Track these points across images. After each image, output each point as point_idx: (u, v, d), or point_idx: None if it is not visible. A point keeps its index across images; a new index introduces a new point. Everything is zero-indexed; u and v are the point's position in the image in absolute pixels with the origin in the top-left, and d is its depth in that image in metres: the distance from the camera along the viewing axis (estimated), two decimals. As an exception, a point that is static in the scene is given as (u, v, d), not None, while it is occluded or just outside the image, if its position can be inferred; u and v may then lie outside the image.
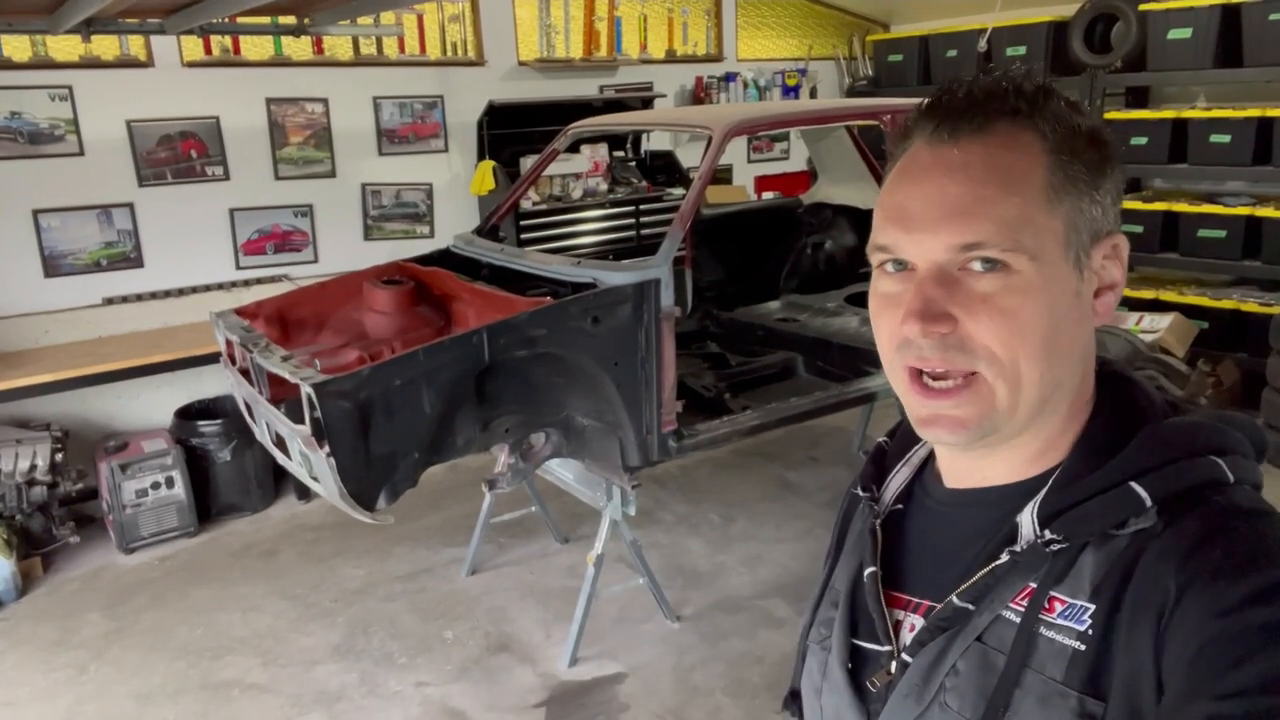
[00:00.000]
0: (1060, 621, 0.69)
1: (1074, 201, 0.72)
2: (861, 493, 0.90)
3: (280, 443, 2.73)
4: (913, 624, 0.79)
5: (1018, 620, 0.71)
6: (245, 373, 2.87)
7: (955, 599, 0.74)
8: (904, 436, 0.92)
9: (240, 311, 3.19)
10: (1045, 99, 0.72)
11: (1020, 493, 0.75)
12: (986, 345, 0.70)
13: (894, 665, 0.79)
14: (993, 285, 0.70)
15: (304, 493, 4.44)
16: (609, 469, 3.05)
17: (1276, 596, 0.61)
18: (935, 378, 0.72)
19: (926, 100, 0.76)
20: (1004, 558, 0.72)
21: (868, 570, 0.84)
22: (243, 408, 3.12)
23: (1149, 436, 0.72)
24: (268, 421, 2.76)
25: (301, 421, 2.44)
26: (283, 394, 2.77)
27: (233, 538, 4.16)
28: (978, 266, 0.70)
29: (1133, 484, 0.69)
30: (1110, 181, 0.74)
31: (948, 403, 0.72)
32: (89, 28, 3.35)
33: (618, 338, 2.82)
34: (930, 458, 0.87)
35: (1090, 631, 0.67)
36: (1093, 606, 0.68)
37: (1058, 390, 0.73)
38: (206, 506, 4.23)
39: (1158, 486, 0.68)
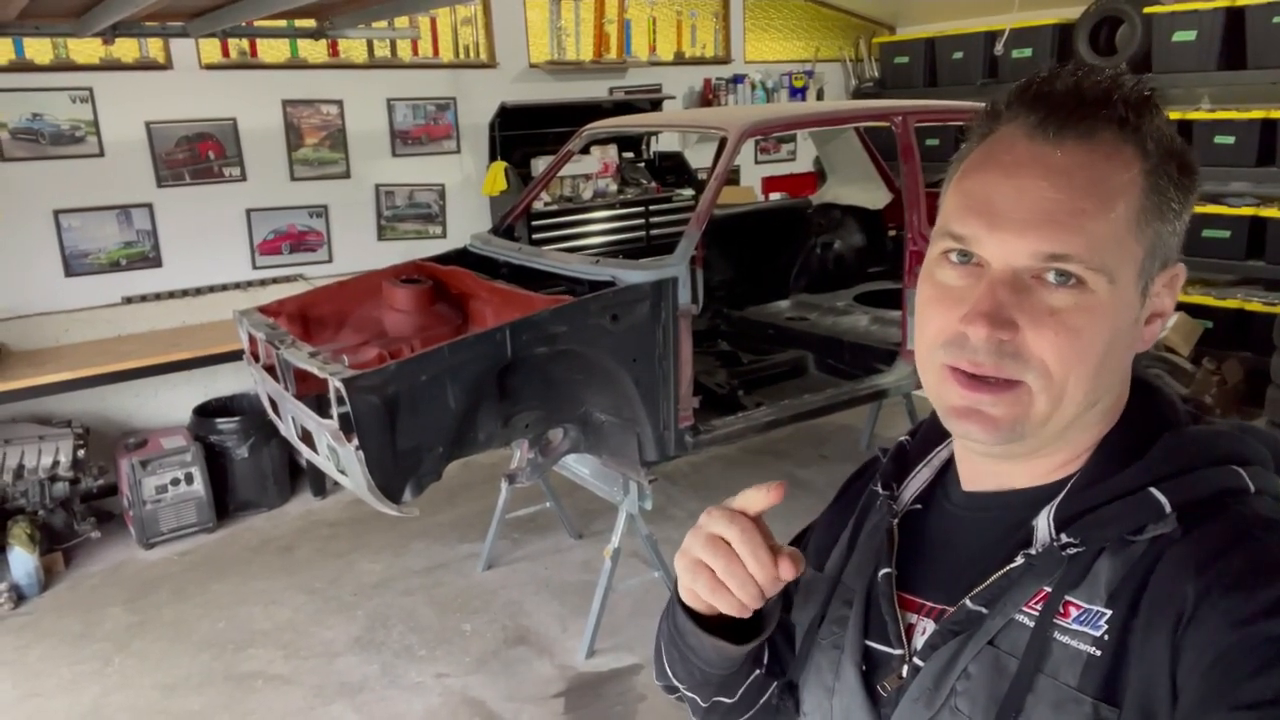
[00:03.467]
0: (1075, 626, 0.68)
1: (1159, 227, 0.70)
2: (881, 490, 0.87)
3: (306, 437, 2.79)
4: (925, 627, 0.78)
5: (1031, 624, 0.70)
6: (270, 369, 2.92)
7: (968, 602, 0.73)
8: (926, 436, 0.90)
9: (263, 310, 3.24)
10: (1152, 112, 0.70)
11: (1038, 497, 0.74)
12: (1042, 359, 0.68)
13: (905, 669, 0.78)
14: (1064, 300, 0.68)
15: (320, 489, 4.51)
16: (626, 464, 3.11)
17: None
18: (980, 375, 0.70)
19: (1025, 83, 0.72)
20: (1018, 561, 0.71)
21: (882, 572, 0.83)
22: (266, 403, 3.17)
23: (1170, 443, 0.71)
24: (294, 416, 2.81)
25: (329, 416, 2.50)
26: (306, 389, 2.83)
27: (251, 533, 4.22)
28: (1052, 278, 0.68)
29: (1152, 490, 0.68)
30: (1189, 210, 0.72)
31: (987, 398, 0.70)
32: (114, 31, 3.41)
33: (636, 335, 2.88)
34: (953, 459, 0.85)
35: (1106, 637, 0.66)
36: (1109, 612, 0.67)
37: (1093, 408, 0.72)
38: (224, 503, 4.28)
39: (1178, 493, 0.67)
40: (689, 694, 0.92)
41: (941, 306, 0.72)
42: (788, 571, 0.75)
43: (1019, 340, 0.68)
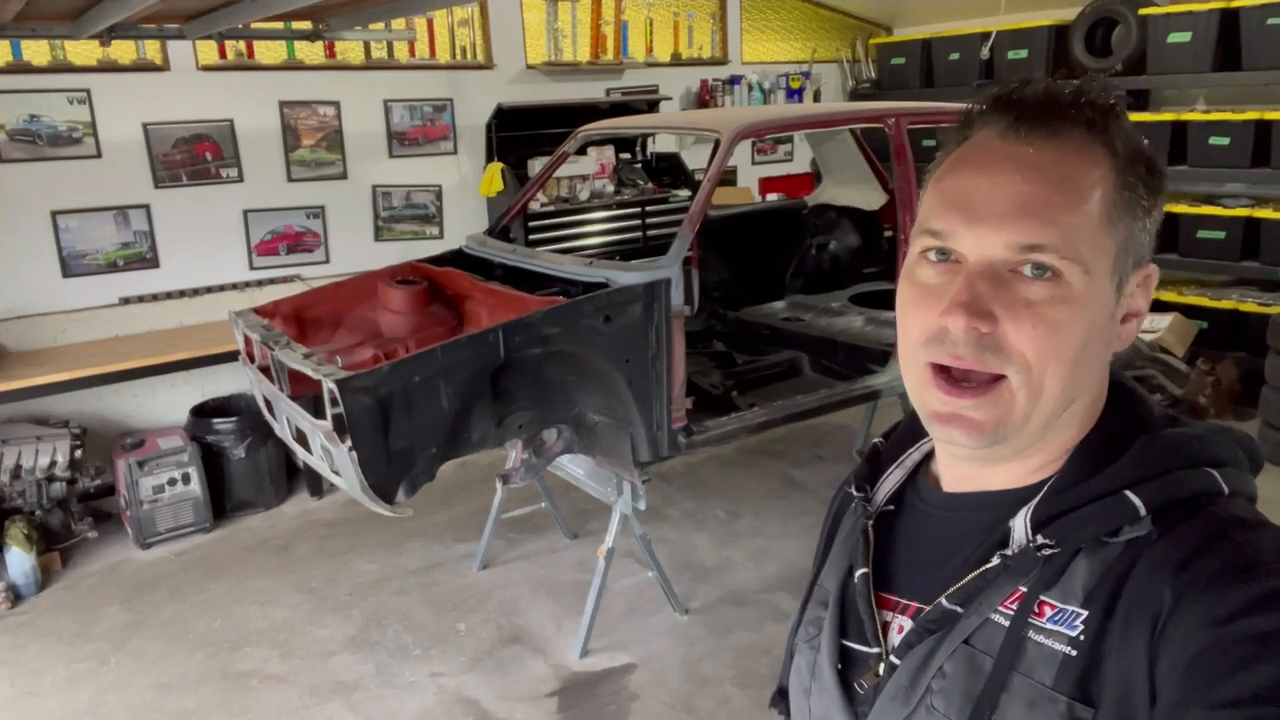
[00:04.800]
0: (1050, 626, 0.69)
1: (1129, 224, 0.72)
2: (855, 492, 0.89)
3: (301, 438, 2.80)
4: (901, 626, 0.79)
5: (1007, 624, 0.71)
6: (265, 370, 2.93)
7: (944, 601, 0.74)
8: (900, 438, 0.92)
9: (259, 310, 3.25)
10: (1117, 116, 0.72)
11: (1015, 499, 0.75)
12: (1021, 351, 0.69)
13: (882, 667, 0.79)
14: (1041, 293, 0.69)
15: (317, 489, 4.52)
16: (620, 464, 3.12)
17: (1271, 606, 0.61)
18: (960, 376, 0.72)
19: (996, 92, 0.75)
20: (994, 561, 0.72)
21: (858, 571, 0.84)
22: (262, 404, 3.19)
23: (1145, 446, 0.72)
24: (288, 417, 2.82)
25: (323, 417, 2.51)
26: (301, 390, 2.84)
27: (247, 533, 4.23)
28: (1029, 271, 0.69)
29: (1127, 492, 0.69)
30: (1159, 207, 0.74)
31: (968, 402, 0.71)
32: (110, 33, 3.42)
33: (629, 336, 2.89)
34: (924, 461, 0.87)
35: (1082, 637, 0.67)
36: (1085, 612, 0.68)
37: (1071, 407, 0.73)
38: (221, 503, 4.30)
39: (1152, 495, 0.69)
40: None
41: (922, 305, 0.74)
42: None
43: (999, 333, 0.69)
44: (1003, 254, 0.70)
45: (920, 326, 0.73)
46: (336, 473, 2.63)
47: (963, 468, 0.80)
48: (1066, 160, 0.70)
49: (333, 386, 2.40)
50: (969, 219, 0.71)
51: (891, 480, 0.90)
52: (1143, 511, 0.68)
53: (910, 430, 0.91)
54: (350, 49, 4.94)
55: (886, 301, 4.06)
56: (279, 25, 4.17)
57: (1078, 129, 0.71)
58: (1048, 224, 0.69)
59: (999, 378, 0.70)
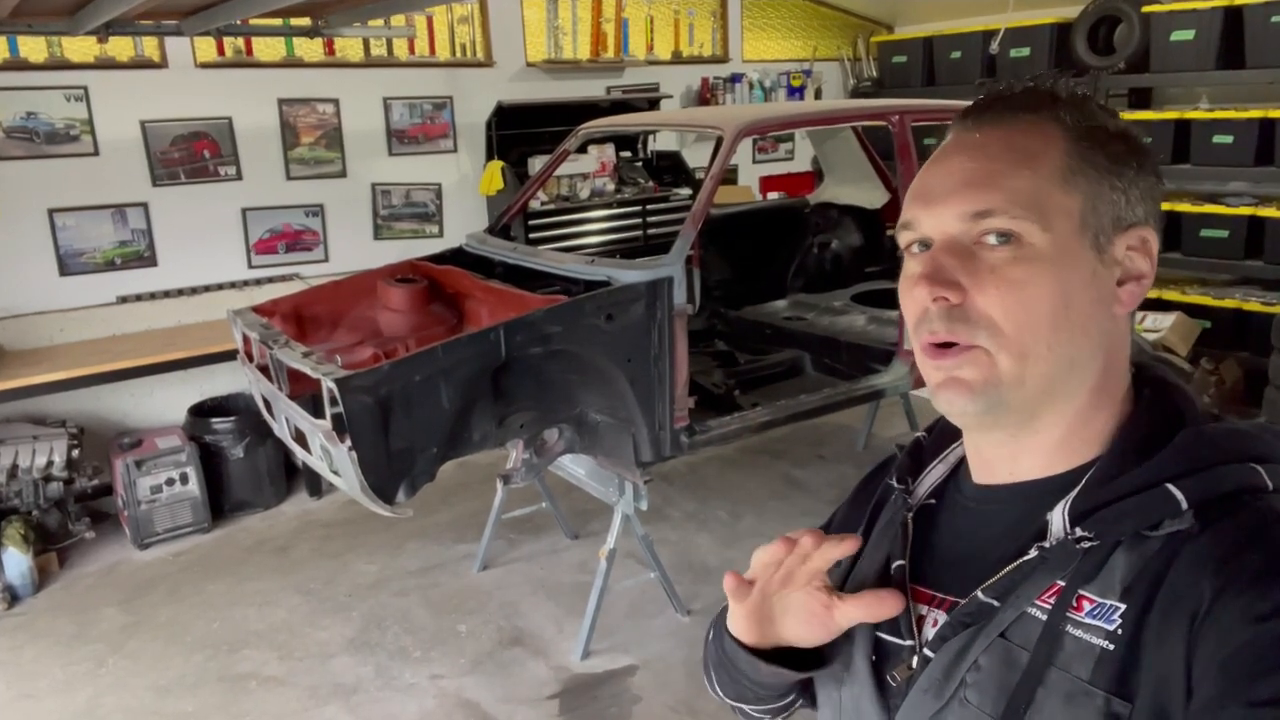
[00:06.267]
0: (1088, 620, 0.68)
1: (1092, 184, 0.73)
2: (896, 485, 0.89)
3: (300, 438, 2.78)
4: (936, 619, 0.79)
5: (1044, 617, 0.70)
6: (264, 369, 2.91)
7: (980, 594, 0.74)
8: (941, 433, 0.92)
9: (257, 309, 3.23)
10: (1070, 103, 0.76)
11: (1051, 489, 0.75)
12: (989, 315, 0.71)
13: (915, 660, 0.78)
14: (1003, 256, 0.72)
15: (316, 489, 4.49)
16: (621, 464, 3.09)
17: None
18: (944, 347, 0.74)
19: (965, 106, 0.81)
20: (1032, 554, 0.72)
21: (896, 563, 0.84)
22: (260, 404, 3.16)
23: (1189, 439, 0.71)
24: (287, 417, 2.80)
25: (322, 416, 2.49)
26: (300, 389, 2.81)
27: (246, 534, 4.21)
28: (992, 240, 0.72)
29: (1169, 485, 0.68)
30: (1139, 177, 0.75)
31: (951, 362, 0.73)
32: (107, 29, 3.39)
33: (631, 335, 2.86)
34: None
35: (1120, 631, 0.66)
36: (1123, 606, 0.67)
37: (1073, 370, 0.73)
38: (220, 503, 4.27)
39: (1195, 489, 0.68)
40: (736, 704, 0.97)
41: (910, 293, 0.77)
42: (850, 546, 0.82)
43: (967, 303, 0.72)
44: (958, 225, 0.73)
45: (909, 311, 0.77)
46: (336, 473, 2.61)
47: (987, 451, 0.81)
48: (1012, 136, 0.75)
49: (332, 386, 2.38)
50: (926, 203, 0.76)
51: (934, 475, 0.90)
52: (1184, 505, 0.67)
53: (951, 425, 0.89)
54: (349, 46, 4.91)
55: (889, 300, 4.04)
56: (278, 22, 4.13)
57: (1025, 113, 0.75)
58: (992, 189, 0.72)
59: (975, 346, 0.73)
